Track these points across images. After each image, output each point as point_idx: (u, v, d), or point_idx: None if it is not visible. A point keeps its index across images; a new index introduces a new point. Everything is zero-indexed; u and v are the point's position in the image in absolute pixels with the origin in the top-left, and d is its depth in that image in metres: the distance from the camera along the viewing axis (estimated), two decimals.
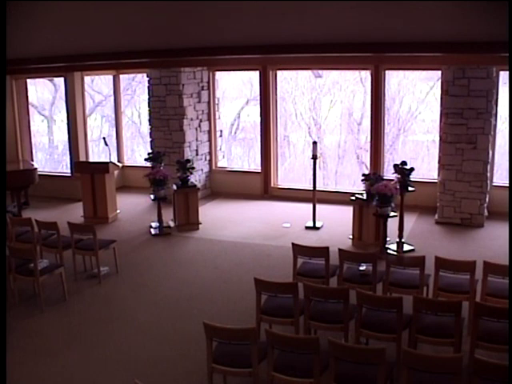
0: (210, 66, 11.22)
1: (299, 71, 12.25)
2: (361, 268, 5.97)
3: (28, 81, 12.26)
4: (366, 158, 11.13)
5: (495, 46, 6.65)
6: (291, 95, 12.81)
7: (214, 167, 11.81)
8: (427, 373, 3.89)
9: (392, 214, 7.72)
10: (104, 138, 10.36)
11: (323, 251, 6.10)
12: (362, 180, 8.25)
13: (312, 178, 9.30)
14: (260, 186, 11.38)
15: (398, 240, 8.10)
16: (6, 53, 8.52)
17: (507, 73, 8.91)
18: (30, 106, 12.54)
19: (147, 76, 11.16)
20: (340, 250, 6.05)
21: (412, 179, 7.97)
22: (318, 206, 9.28)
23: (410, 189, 7.97)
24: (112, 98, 12.57)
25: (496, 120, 9.33)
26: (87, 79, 11.96)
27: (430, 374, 3.88)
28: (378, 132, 10.36)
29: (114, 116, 12.58)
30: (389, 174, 9.45)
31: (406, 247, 8.07)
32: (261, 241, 8.69)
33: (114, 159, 11.05)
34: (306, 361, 4.20)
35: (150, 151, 10.21)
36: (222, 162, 12.03)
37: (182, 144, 10.91)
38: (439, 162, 9.49)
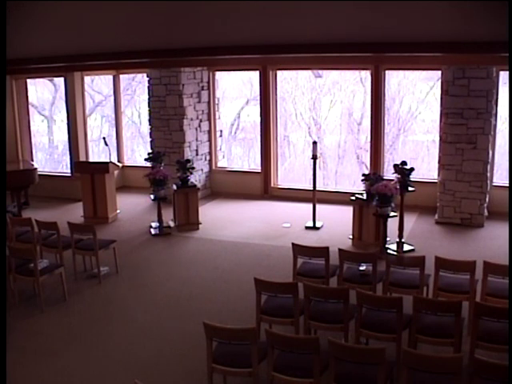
0: (209, 65, 11.22)
1: (299, 71, 12.25)
2: (361, 268, 5.97)
3: (28, 81, 12.26)
4: (366, 158, 11.13)
5: (495, 46, 6.65)
6: (291, 95, 12.81)
7: (214, 167, 11.81)
8: (427, 373, 3.89)
9: (392, 214, 7.72)
10: (104, 138, 10.36)
11: (323, 251, 6.10)
12: (362, 180, 8.25)
13: (312, 178, 9.30)
14: (260, 186, 11.39)
15: (398, 240, 8.10)
16: (6, 53, 8.52)
17: (507, 73, 8.91)
18: (30, 106, 12.54)
19: (147, 76, 11.16)
20: (340, 250, 6.05)
21: (412, 179, 7.97)
22: (318, 205, 9.28)
23: (409, 189, 7.97)
24: (112, 97, 12.57)
25: (496, 120, 9.33)
26: (87, 79, 11.96)
27: (430, 373, 3.88)
28: (378, 132, 10.36)
29: (114, 116, 12.58)
30: (389, 173, 9.46)
31: (406, 247, 8.07)
32: (261, 241, 8.69)
33: (114, 159, 11.05)
34: (306, 361, 4.20)
35: (150, 151, 10.22)
36: (222, 162, 12.03)
37: (182, 144, 10.91)
38: (439, 162, 9.49)
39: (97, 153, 13.02)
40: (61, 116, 12.91)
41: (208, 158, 11.71)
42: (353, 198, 8.43)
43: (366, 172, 9.75)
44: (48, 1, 8.68)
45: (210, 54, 8.44)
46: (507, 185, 9.30)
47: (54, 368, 5.23)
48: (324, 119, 13.12)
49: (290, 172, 13.05)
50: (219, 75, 11.66)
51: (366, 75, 11.01)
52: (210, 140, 11.69)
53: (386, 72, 10.23)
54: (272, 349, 4.28)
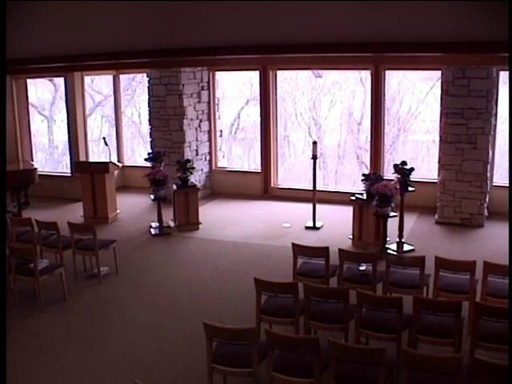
0: (209, 65, 11.22)
1: (299, 71, 12.25)
2: (361, 268, 5.97)
3: (28, 81, 12.26)
4: (366, 158, 11.13)
5: (495, 46, 6.64)
6: (291, 95, 12.81)
7: (214, 167, 11.81)
8: (427, 373, 3.89)
9: (392, 214, 7.72)
10: (104, 138, 10.36)
11: (323, 251, 6.10)
12: (362, 180, 8.25)
13: (312, 177, 9.30)
14: (260, 186, 11.39)
15: (398, 240, 8.10)
16: (6, 53, 8.52)
17: (507, 73, 8.91)
18: (30, 106, 12.54)
19: (147, 76, 11.17)
20: (340, 250, 6.05)
21: (412, 179, 7.97)
22: (318, 205, 9.28)
23: (409, 189, 7.98)
24: (112, 97, 12.57)
25: (496, 120, 9.33)
26: (87, 79, 11.96)
27: (430, 373, 3.88)
28: (378, 132, 10.36)
29: (114, 116, 12.58)
30: (389, 174, 9.46)
31: (406, 247, 8.07)
32: (261, 241, 8.69)
33: (114, 159, 11.05)
34: (306, 361, 4.20)
35: (150, 151, 10.22)
36: (222, 162, 12.03)
37: (182, 144, 10.91)
38: (439, 162, 9.49)
39: (97, 153, 13.02)
40: (61, 116, 12.91)
41: (208, 158, 11.71)
42: (353, 198, 8.43)
43: (366, 172, 9.75)
44: (48, 1, 8.68)
45: (210, 54, 8.44)
46: (507, 185, 9.30)
47: (54, 368, 5.23)
48: (324, 119, 13.12)
49: (290, 172, 13.06)
50: (219, 75, 11.66)
51: (366, 75, 11.01)
52: (210, 140, 11.69)
53: (386, 72, 10.23)
54: (272, 349, 4.28)
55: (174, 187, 9.31)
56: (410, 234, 8.69)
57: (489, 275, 5.51)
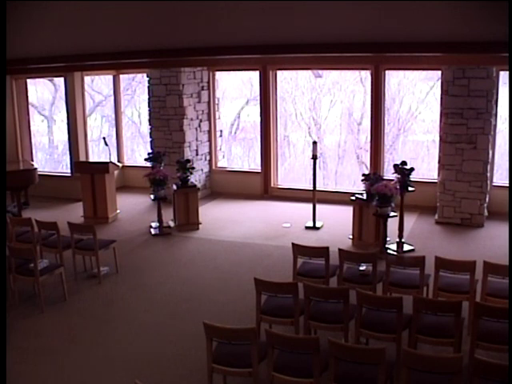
0: (209, 65, 11.22)
1: (299, 71, 12.25)
2: (361, 268, 5.98)
3: (28, 81, 12.26)
4: (366, 158, 11.13)
5: (495, 46, 6.64)
6: (291, 95, 12.81)
7: (214, 167, 11.82)
8: (427, 373, 3.89)
9: (392, 214, 7.72)
10: (104, 138, 10.36)
11: (323, 251, 6.10)
12: (362, 180, 8.25)
13: (312, 177, 9.30)
14: (260, 186, 11.39)
15: (398, 240, 8.11)
16: (6, 53, 8.51)
17: (507, 73, 8.92)
18: (30, 106, 12.54)
19: (147, 76, 11.17)
20: (340, 250, 6.05)
21: (412, 179, 7.97)
22: (318, 205, 9.28)
23: (409, 189, 7.98)
24: (112, 98, 12.58)
25: (496, 120, 9.34)
26: (87, 79, 11.96)
27: (430, 373, 3.88)
28: (378, 132, 10.37)
29: (114, 116, 12.58)
30: (389, 174, 9.46)
31: (406, 247, 8.07)
32: (261, 241, 8.69)
33: (114, 159, 11.05)
34: (306, 361, 4.20)
35: (150, 151, 10.22)
36: (222, 162, 12.04)
37: (181, 144, 10.91)
38: (439, 162, 9.50)
39: (97, 153, 13.02)
40: (61, 116, 12.90)
41: (208, 157, 11.71)
42: (353, 197, 8.43)
43: (366, 172, 9.75)
44: (48, 1, 8.68)
45: (210, 53, 8.43)
46: (507, 185, 9.31)
47: (54, 368, 5.23)
48: (324, 119, 13.11)
49: (290, 172, 13.05)
50: (219, 75, 11.66)
51: (366, 75, 11.01)
52: (210, 140, 11.69)
53: (386, 72, 10.23)
54: (272, 349, 4.28)
55: (174, 187, 9.31)
56: (410, 234, 8.69)
57: (489, 275, 5.51)
